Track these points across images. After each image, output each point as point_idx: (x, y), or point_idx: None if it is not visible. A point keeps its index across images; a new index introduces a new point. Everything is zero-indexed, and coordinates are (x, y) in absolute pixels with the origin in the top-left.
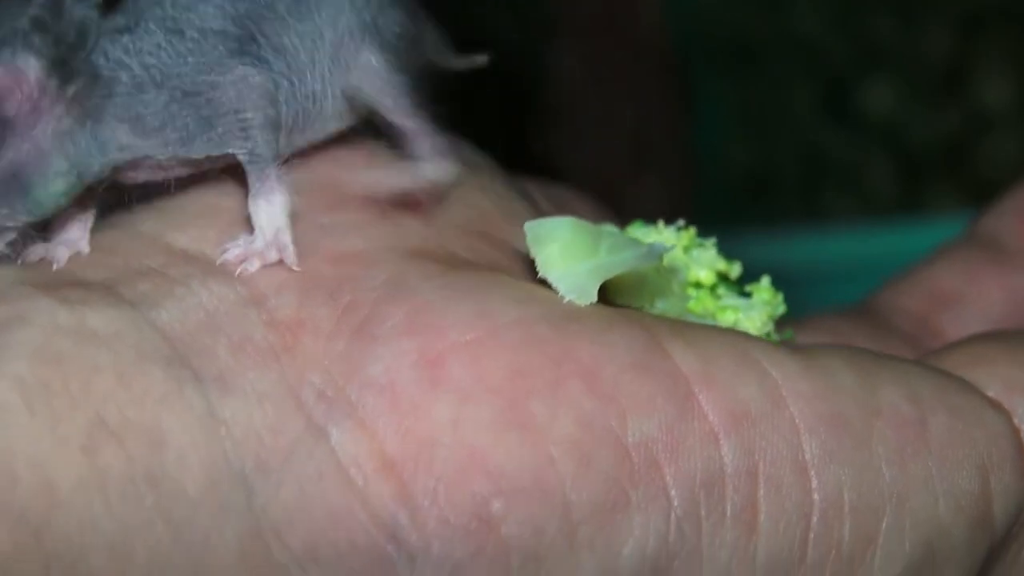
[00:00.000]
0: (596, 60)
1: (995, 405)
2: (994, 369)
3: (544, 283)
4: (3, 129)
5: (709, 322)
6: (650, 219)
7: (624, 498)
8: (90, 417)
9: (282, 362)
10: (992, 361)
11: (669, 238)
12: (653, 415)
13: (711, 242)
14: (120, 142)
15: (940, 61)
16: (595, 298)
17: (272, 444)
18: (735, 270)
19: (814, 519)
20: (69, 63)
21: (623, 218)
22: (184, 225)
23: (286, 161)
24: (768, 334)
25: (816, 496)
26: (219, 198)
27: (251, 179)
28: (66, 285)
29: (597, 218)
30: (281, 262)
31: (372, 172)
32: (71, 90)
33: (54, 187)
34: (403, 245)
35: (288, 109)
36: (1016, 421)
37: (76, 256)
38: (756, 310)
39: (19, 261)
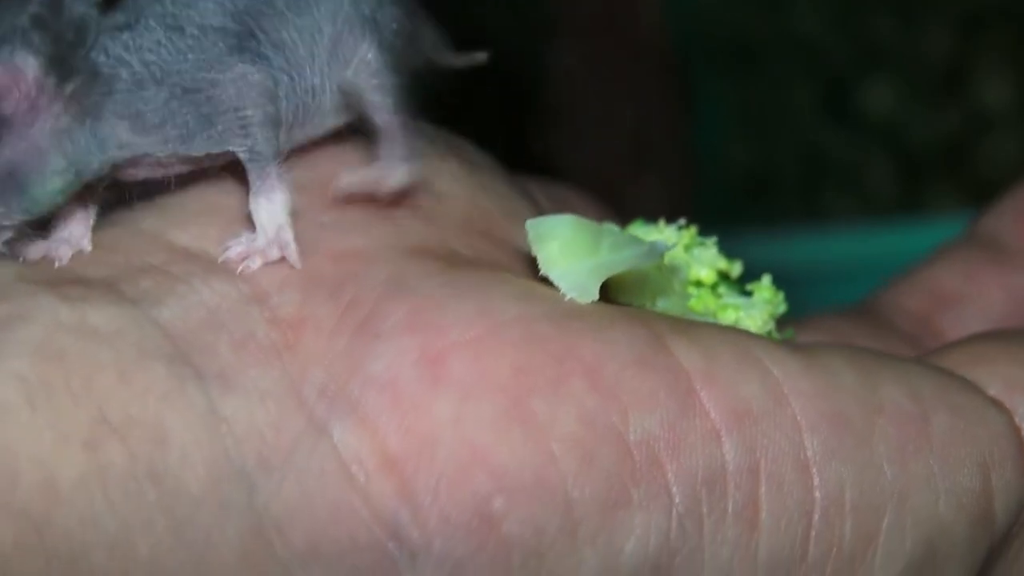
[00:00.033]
0: (596, 60)
1: (996, 404)
2: (995, 368)
3: (545, 281)
4: (0, 127)
5: (710, 320)
6: (650, 219)
7: (626, 495)
8: (92, 414)
9: (284, 360)
10: (993, 360)
11: (670, 237)
12: (655, 412)
13: (712, 241)
14: (120, 139)
15: (940, 61)
16: (596, 296)
17: (274, 441)
18: (736, 269)
19: (815, 517)
20: (68, 61)
21: (623, 218)
22: (186, 223)
23: (287, 159)
24: (769, 333)
25: (818, 494)
26: (221, 196)
27: (251, 177)
28: (67, 283)
29: (597, 217)
30: (283, 260)
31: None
32: (70, 88)
33: (51, 185)
34: (404, 243)
35: (288, 104)
36: (1017, 420)
37: (78, 254)
38: (757, 309)
39: (20, 259)
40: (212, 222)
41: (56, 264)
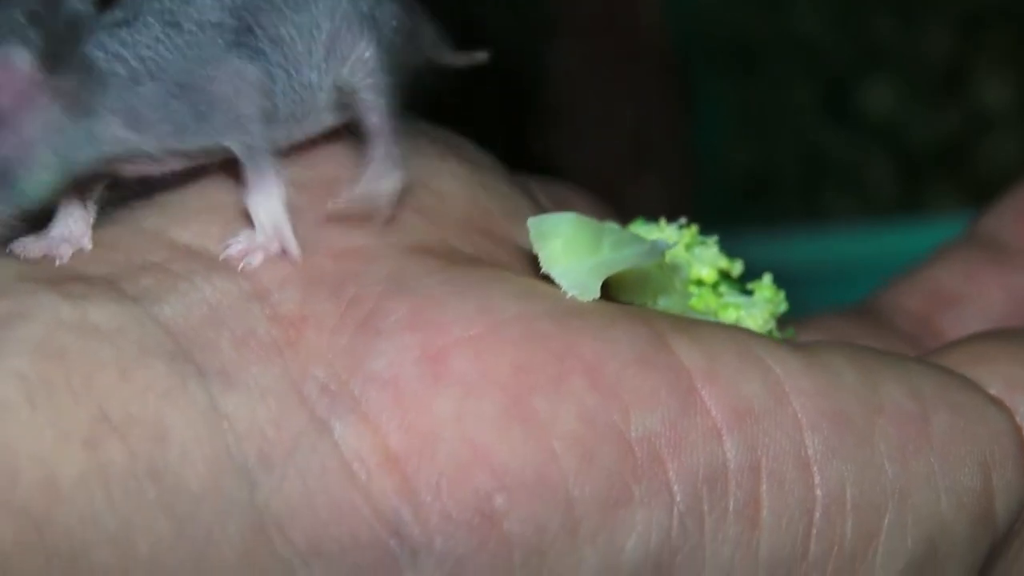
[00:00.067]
0: (596, 60)
1: (997, 403)
2: (995, 367)
3: (547, 279)
4: None
5: (711, 319)
6: (651, 219)
7: (627, 493)
8: (92, 412)
9: (285, 357)
10: (993, 359)
11: (671, 236)
12: (656, 410)
13: (713, 240)
14: (113, 135)
15: (940, 61)
16: (598, 294)
17: (275, 438)
18: (737, 268)
19: (816, 515)
20: (61, 55)
21: (623, 217)
22: (186, 221)
23: (286, 156)
24: (770, 332)
25: (819, 492)
26: (222, 194)
27: (248, 174)
28: (68, 280)
29: (598, 216)
30: (283, 256)
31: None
32: (63, 82)
33: (40, 179)
34: (405, 241)
35: (284, 100)
36: (1018, 419)
37: (78, 252)
38: (758, 308)
39: (10, 253)
40: (213, 220)
41: (57, 262)
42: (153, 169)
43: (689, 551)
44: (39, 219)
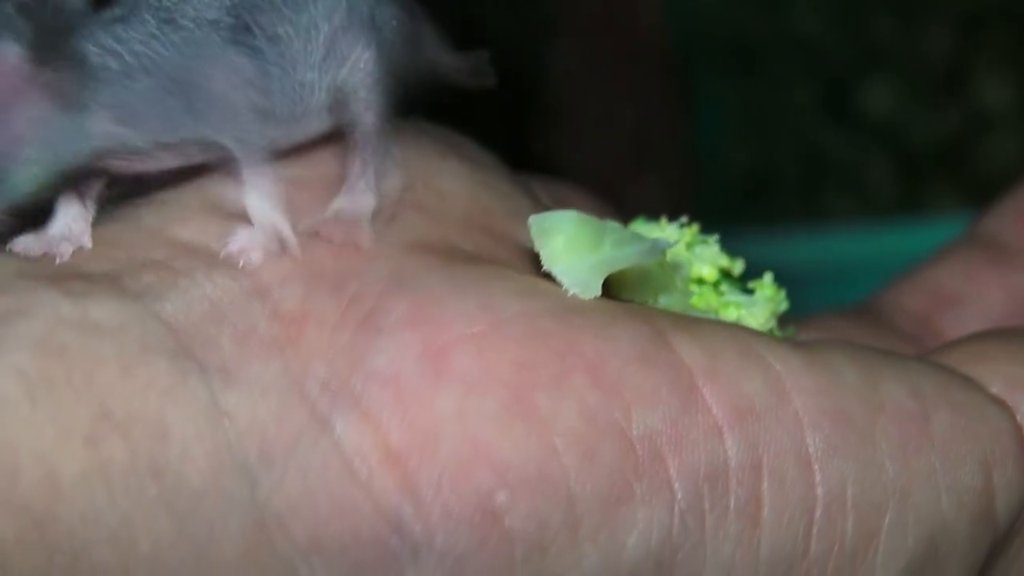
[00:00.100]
0: (596, 60)
1: (997, 401)
2: (996, 366)
3: (548, 277)
4: None
5: (712, 318)
6: (651, 218)
7: (628, 491)
8: (93, 409)
9: (286, 354)
10: (994, 358)
11: (672, 234)
12: (657, 408)
13: (714, 239)
14: (104, 129)
15: (940, 61)
16: (599, 292)
17: (276, 435)
18: (738, 267)
19: (817, 513)
20: (52, 49)
21: (624, 218)
22: (187, 218)
23: (285, 155)
24: (771, 331)
25: (820, 490)
26: (222, 191)
27: (244, 171)
28: (69, 277)
29: (599, 214)
30: (284, 252)
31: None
32: (53, 76)
33: (29, 174)
34: (406, 239)
35: (281, 98)
36: (1019, 418)
37: (78, 251)
38: (759, 306)
39: (9, 250)
40: (213, 217)
41: (57, 260)
42: (145, 166)
43: (690, 549)
44: (39, 219)
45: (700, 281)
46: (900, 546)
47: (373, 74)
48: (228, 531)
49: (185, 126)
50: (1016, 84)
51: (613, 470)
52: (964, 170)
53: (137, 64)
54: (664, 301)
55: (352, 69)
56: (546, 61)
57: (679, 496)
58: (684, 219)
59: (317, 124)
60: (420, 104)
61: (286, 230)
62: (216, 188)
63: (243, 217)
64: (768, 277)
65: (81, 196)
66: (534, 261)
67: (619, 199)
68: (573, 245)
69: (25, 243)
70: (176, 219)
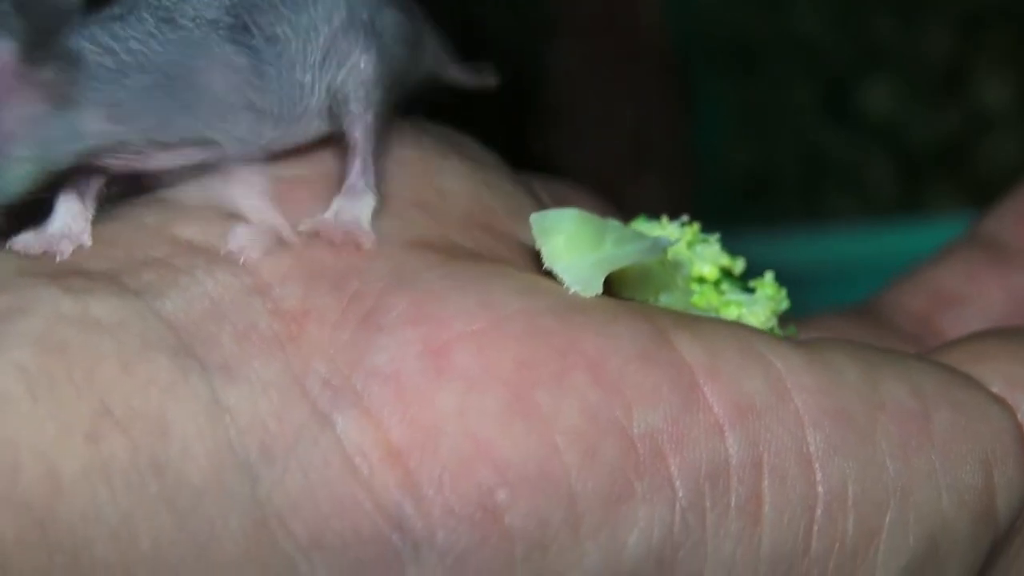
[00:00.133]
0: (596, 60)
1: (998, 400)
2: (997, 365)
3: (549, 275)
4: None
5: (713, 316)
6: (652, 218)
7: (629, 489)
8: (94, 406)
9: (287, 351)
10: (994, 357)
11: (673, 233)
12: (658, 406)
13: (715, 238)
14: (99, 128)
15: (940, 61)
16: (600, 290)
17: (277, 432)
18: (738, 266)
19: (818, 511)
20: (46, 47)
21: (624, 218)
22: (187, 216)
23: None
24: (772, 329)
25: (820, 489)
26: (220, 190)
27: (240, 170)
28: (69, 275)
29: (600, 213)
30: (283, 248)
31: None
32: (47, 74)
33: (21, 171)
34: (406, 236)
35: (275, 97)
36: (1019, 417)
37: (78, 248)
38: (760, 305)
39: (9, 249)
40: (214, 215)
41: (57, 258)
42: (144, 165)
43: (691, 547)
44: (39, 217)
45: (701, 280)
46: (901, 545)
47: (372, 76)
48: (229, 528)
49: (181, 125)
50: (1016, 84)
51: (614, 468)
52: (964, 170)
53: (133, 62)
54: (665, 299)
55: (351, 71)
56: (546, 61)
57: (680, 494)
58: (685, 218)
59: (316, 125)
60: (420, 104)
61: (284, 227)
62: (215, 187)
63: (242, 216)
64: (769, 276)
65: (81, 194)
66: (535, 259)
67: (619, 199)
68: (574, 243)
69: (25, 241)
70: (176, 217)
